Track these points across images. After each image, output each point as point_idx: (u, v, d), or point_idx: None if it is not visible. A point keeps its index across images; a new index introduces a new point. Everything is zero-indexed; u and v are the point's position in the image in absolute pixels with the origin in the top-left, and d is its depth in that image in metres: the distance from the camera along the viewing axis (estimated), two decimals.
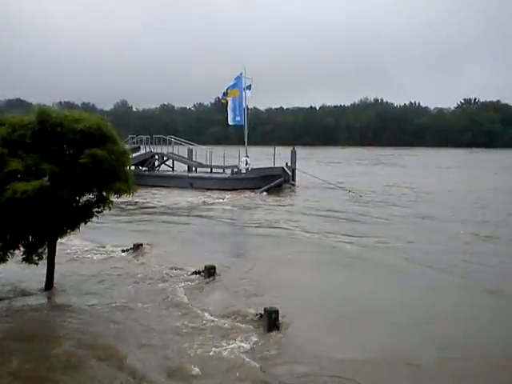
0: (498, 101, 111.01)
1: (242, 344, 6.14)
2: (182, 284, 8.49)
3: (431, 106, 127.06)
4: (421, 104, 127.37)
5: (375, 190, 23.47)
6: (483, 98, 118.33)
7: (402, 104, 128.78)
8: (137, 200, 18.37)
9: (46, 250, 7.63)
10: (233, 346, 6.10)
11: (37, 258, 7.36)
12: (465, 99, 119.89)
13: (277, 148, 26.47)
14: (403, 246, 11.51)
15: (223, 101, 27.39)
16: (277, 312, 6.61)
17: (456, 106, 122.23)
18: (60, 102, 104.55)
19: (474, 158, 58.29)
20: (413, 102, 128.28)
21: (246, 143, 26.68)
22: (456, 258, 10.44)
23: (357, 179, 28.59)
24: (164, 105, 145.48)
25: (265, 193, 23.26)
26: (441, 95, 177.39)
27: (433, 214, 16.50)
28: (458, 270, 9.51)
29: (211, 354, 5.91)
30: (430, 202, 19.54)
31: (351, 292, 8.24)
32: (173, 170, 30.37)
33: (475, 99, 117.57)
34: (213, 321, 6.89)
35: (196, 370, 5.52)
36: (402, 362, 5.77)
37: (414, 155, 63.57)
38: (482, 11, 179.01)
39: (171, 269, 9.35)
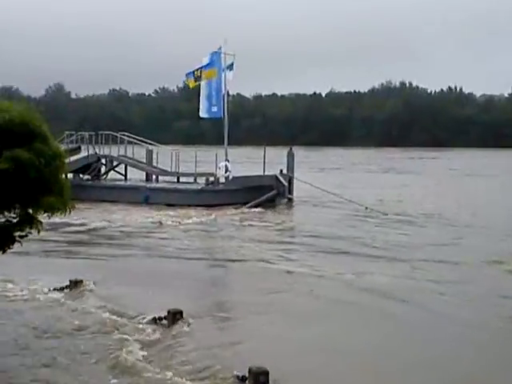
0: None
1: None
2: (137, 336, 8.46)
3: (477, 93, 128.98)
4: (463, 90, 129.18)
5: (380, 208, 23.66)
6: None
7: (439, 89, 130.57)
8: (75, 220, 18.30)
9: None
10: None
11: None
12: None
13: (268, 149, 26.62)
14: (411, 285, 11.69)
15: (189, 83, 27.32)
16: (266, 374, 6.62)
17: (511, 92, 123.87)
18: None
19: None
20: (452, 86, 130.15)
21: (225, 142, 26.80)
22: (480, 302, 10.58)
23: (354, 191, 28.81)
24: (114, 90, 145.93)
25: (252, 209, 23.34)
26: (490, 78, 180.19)
27: (444, 240, 16.95)
28: (489, 320, 9.58)
29: None
30: (441, 224, 20.13)
31: (348, 348, 8.24)
32: (125, 179, 30.37)
33: None
34: None
35: None
36: None
37: (447, 159, 64.35)
38: None
39: (121, 315, 9.31)
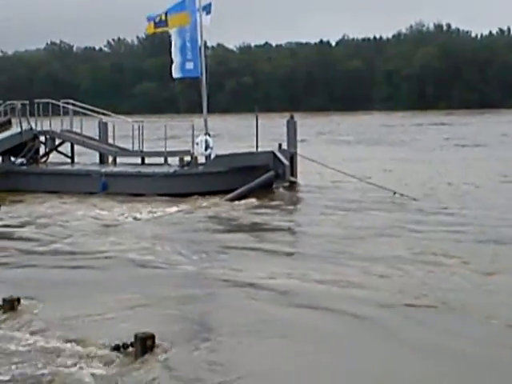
0: None
1: None
2: (95, 370, 8.49)
3: None
4: None
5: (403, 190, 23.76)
6: None
7: (486, 32, 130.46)
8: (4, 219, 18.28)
9: None
10: None
11: None
12: None
13: (262, 117, 26.54)
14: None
15: (151, 29, 26.98)
16: None
17: None
18: None
19: None
20: (504, 29, 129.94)
21: (204, 110, 26.73)
22: None
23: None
24: (53, 44, 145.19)
25: (240, 201, 23.25)
26: None
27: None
28: None
29: None
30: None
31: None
32: (72, 161, 30.24)
33: None
34: None
35: None
36: None
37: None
38: None
39: (72, 342, 9.38)
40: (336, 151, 40.58)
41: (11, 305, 10.85)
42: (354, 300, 11.62)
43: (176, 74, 27.23)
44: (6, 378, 8.36)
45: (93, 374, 8.37)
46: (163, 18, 26.20)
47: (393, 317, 10.79)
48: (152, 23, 26.56)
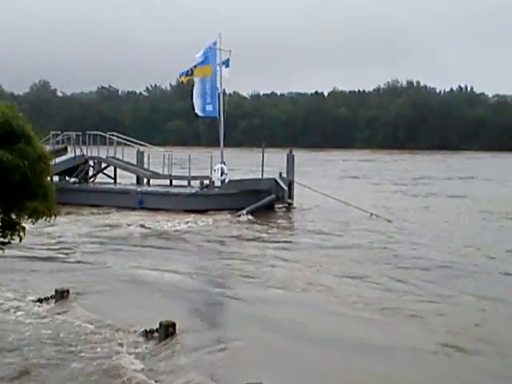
0: None
1: None
2: (130, 349, 8.51)
3: (489, 93, 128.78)
4: (474, 90, 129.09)
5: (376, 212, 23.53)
6: None
7: (448, 89, 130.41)
8: (55, 226, 18.24)
9: None
10: None
11: None
12: None
13: (268, 151, 26.63)
14: None
15: (183, 79, 27.36)
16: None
17: None
18: None
19: None
20: (463, 86, 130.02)
21: (221, 144, 26.83)
22: None
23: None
24: (103, 88, 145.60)
25: (247, 216, 23.29)
26: (503, 78, 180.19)
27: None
28: None
29: None
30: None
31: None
32: (115, 182, 30.31)
33: None
34: None
35: None
36: None
37: (442, 160, 64.39)
38: None
39: (112, 328, 9.35)
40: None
41: (61, 295, 10.82)
42: None
43: (198, 112, 27.62)
44: (57, 352, 8.32)
45: (131, 352, 8.40)
46: (193, 69, 26.74)
47: None
48: (184, 75, 27.08)
